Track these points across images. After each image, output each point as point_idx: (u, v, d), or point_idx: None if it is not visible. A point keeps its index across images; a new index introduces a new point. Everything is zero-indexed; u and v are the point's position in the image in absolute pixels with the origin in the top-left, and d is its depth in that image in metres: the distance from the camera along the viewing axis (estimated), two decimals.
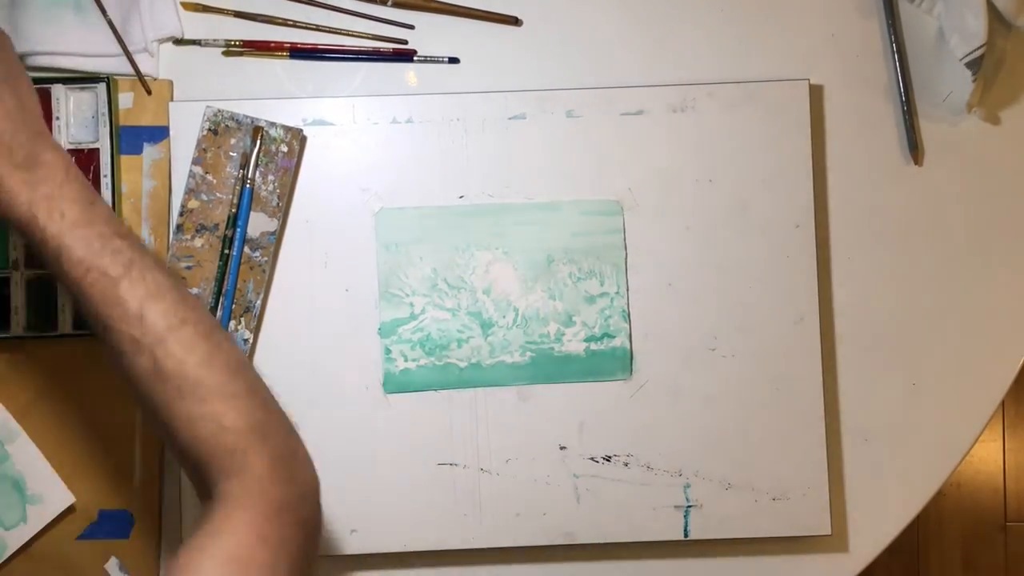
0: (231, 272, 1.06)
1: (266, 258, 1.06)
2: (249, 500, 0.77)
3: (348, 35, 1.11)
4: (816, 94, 1.11)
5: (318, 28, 1.10)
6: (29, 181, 0.82)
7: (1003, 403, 1.18)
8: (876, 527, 1.11)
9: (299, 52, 1.10)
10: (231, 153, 1.06)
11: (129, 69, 1.07)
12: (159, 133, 1.08)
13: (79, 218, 0.82)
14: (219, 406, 0.79)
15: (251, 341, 1.06)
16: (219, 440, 0.79)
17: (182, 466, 0.84)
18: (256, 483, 0.77)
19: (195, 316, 0.82)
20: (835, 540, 1.10)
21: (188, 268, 1.06)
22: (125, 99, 1.08)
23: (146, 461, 1.07)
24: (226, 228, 1.06)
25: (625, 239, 1.08)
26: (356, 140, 1.08)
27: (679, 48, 1.12)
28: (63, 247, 0.81)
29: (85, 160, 1.06)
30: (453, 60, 1.11)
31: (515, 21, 1.11)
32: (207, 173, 1.06)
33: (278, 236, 1.07)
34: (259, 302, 1.06)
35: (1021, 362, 1.13)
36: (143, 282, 0.81)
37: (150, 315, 0.80)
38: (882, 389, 1.11)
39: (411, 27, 1.11)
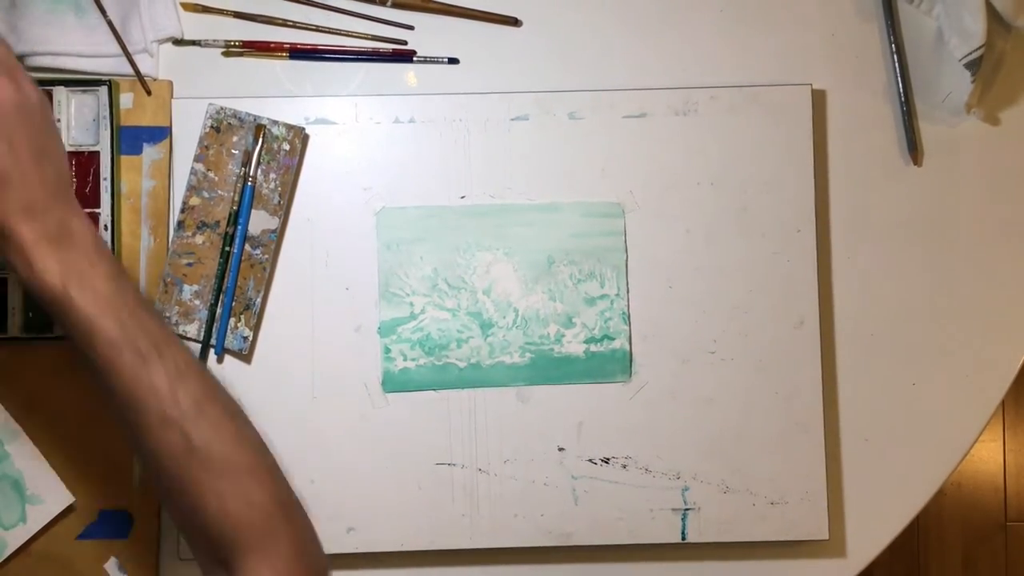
0: (232, 269, 1.06)
1: (267, 256, 1.06)
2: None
3: (347, 36, 1.10)
4: (818, 98, 1.11)
5: (317, 29, 1.10)
6: (62, 257, 0.81)
7: (1003, 403, 1.18)
8: (874, 530, 1.11)
9: (298, 53, 1.10)
10: (233, 151, 1.06)
11: (129, 69, 1.07)
12: (159, 133, 1.08)
13: (111, 295, 0.81)
14: (248, 483, 0.81)
15: (251, 339, 1.06)
16: (248, 516, 0.80)
17: (194, 542, 0.85)
18: (284, 563, 0.80)
19: (222, 395, 0.84)
20: (832, 545, 1.10)
21: (189, 265, 1.06)
22: (125, 99, 1.08)
23: None
24: (227, 225, 1.06)
25: (626, 241, 1.08)
26: (358, 139, 1.08)
27: (681, 51, 1.12)
28: (96, 326, 0.80)
29: (85, 163, 1.07)
30: (453, 60, 1.11)
31: (514, 22, 1.11)
32: (209, 170, 1.06)
33: (279, 234, 1.07)
34: (259, 300, 1.06)
35: (1021, 362, 1.13)
36: (173, 360, 0.81)
37: (181, 393, 0.80)
38: (882, 389, 1.12)
39: (410, 27, 1.11)
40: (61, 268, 0.80)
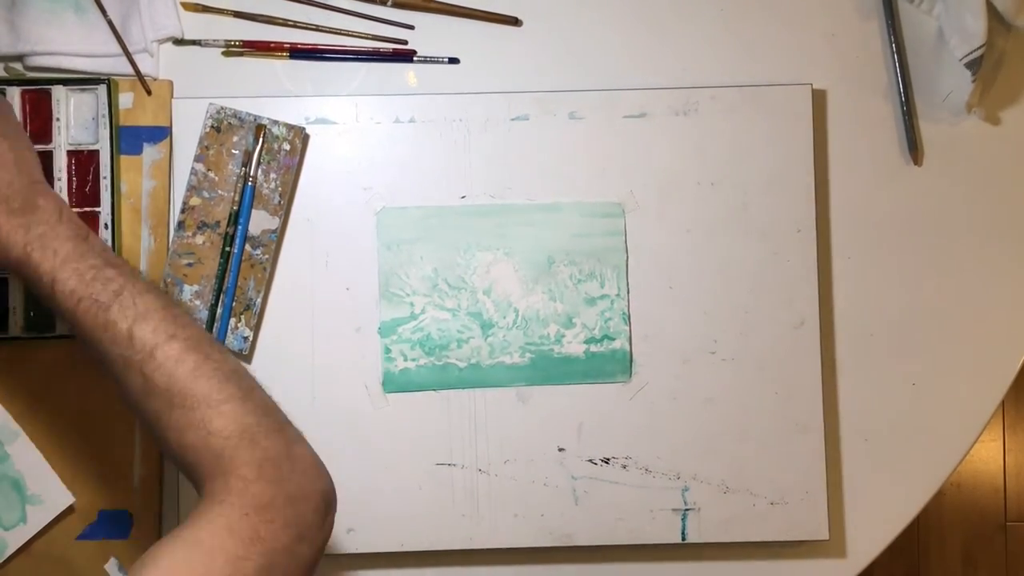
0: (232, 270, 1.06)
1: (267, 256, 1.06)
2: (227, 496, 0.79)
3: (348, 35, 1.10)
4: (818, 98, 1.10)
5: (318, 28, 1.10)
6: (24, 224, 0.88)
7: (1003, 403, 1.18)
8: (874, 530, 1.11)
9: (299, 52, 1.10)
10: (233, 151, 1.06)
11: (129, 69, 1.07)
12: (159, 133, 1.08)
13: (71, 253, 0.88)
14: (207, 413, 0.83)
15: (251, 339, 1.06)
16: (206, 444, 0.82)
17: (183, 473, 0.88)
18: (238, 481, 0.80)
19: (184, 332, 0.86)
20: (832, 545, 1.10)
21: (189, 265, 1.06)
22: (125, 99, 1.08)
23: (146, 461, 1.07)
24: (227, 225, 1.06)
25: (626, 241, 1.08)
26: (358, 139, 1.08)
27: (681, 51, 1.11)
28: (56, 281, 0.87)
29: (85, 162, 1.06)
30: (453, 60, 1.10)
31: (515, 21, 1.11)
32: (209, 170, 1.06)
33: (279, 234, 1.07)
34: (259, 300, 1.06)
35: (1021, 362, 1.13)
36: (132, 306, 0.86)
37: (138, 334, 0.85)
38: (882, 389, 1.12)
39: (411, 27, 1.11)
40: (24, 236, 0.88)
